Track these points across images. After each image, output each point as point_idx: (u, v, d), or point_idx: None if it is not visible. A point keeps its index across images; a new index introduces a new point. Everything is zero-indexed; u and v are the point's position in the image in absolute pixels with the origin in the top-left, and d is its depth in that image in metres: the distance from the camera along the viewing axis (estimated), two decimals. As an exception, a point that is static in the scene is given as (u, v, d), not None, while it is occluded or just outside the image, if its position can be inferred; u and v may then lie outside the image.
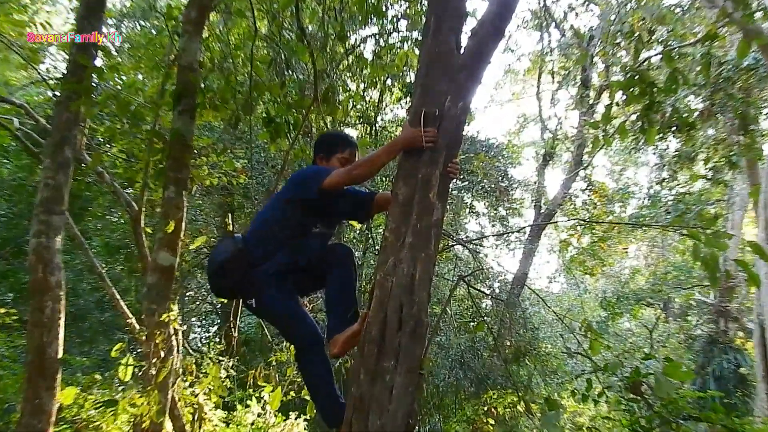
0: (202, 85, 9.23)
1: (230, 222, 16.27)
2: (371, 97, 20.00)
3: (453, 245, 13.18)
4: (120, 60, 18.15)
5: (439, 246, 5.11)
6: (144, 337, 8.52)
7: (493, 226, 24.61)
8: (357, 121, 18.54)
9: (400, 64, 9.65)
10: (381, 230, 16.65)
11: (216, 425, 11.16)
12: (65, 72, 9.06)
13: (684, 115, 15.02)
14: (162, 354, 8.48)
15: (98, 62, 9.59)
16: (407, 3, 16.41)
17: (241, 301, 6.26)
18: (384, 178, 18.61)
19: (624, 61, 20.23)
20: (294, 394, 10.91)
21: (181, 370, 9.48)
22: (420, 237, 4.80)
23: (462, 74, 5.12)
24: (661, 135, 17.28)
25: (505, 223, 24.16)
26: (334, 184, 5.39)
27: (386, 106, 21.55)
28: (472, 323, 18.77)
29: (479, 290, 11.97)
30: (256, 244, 5.73)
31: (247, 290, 5.72)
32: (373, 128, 19.82)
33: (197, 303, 20.50)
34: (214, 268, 5.78)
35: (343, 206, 6.06)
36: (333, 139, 6.19)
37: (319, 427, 14.71)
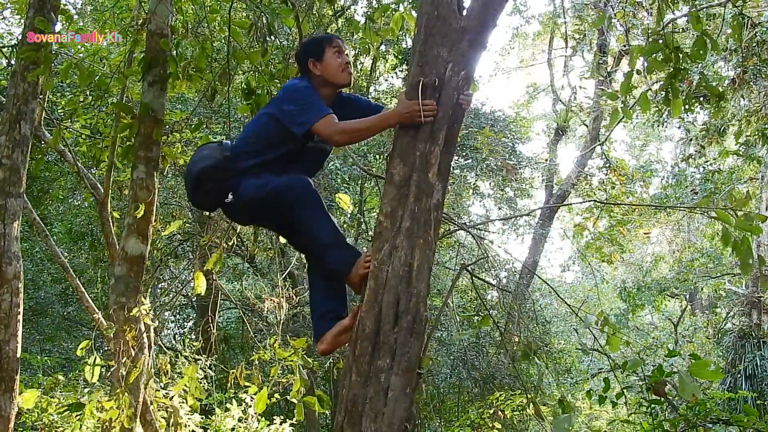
0: (174, 53, 9.18)
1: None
2: (363, 65, 20.01)
3: (455, 230, 13.18)
4: (82, 24, 18.14)
5: (439, 231, 5.11)
6: (112, 334, 8.52)
7: (499, 208, 24.68)
8: (347, 92, 18.59)
9: (396, 27, 9.59)
10: (374, 214, 16.67)
11: (193, 431, 11.18)
12: (21, 38, 9.05)
13: (713, 84, 14.98)
14: (132, 352, 8.49)
15: (58, 27, 9.57)
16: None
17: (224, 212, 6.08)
18: (378, 156, 18.63)
19: (646, 23, 20.20)
20: (279, 397, 10.92)
21: (153, 370, 9.50)
22: (418, 221, 4.80)
23: (464, 39, 5.11)
24: (687, 106, 17.29)
25: (512, 205, 24.21)
26: (321, 134, 5.40)
27: (380, 75, 21.57)
28: (476, 317, 18.81)
29: (484, 280, 12.00)
30: (244, 155, 5.70)
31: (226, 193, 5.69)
32: (366, 100, 19.83)
33: (171, 296, 20.51)
34: (194, 176, 5.76)
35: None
36: (313, 40, 6.09)
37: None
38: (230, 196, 5.63)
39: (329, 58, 5.83)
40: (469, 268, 6.98)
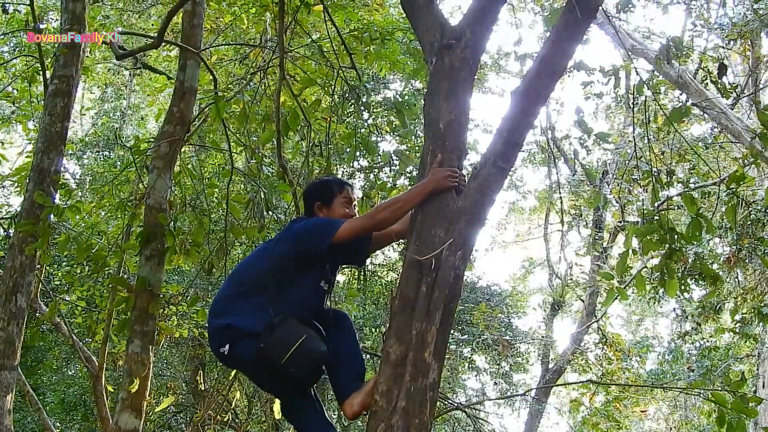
0: (172, 226, 9.21)
1: (201, 378, 16.12)
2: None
3: (451, 410, 13.09)
4: (81, 196, 18.27)
5: (435, 410, 5.07)
6: None
7: (495, 383, 24.51)
8: (344, 266, 18.59)
9: (393, 205, 9.65)
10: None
11: None
12: (20, 211, 9.12)
13: (708, 263, 14.96)
14: None
15: (56, 200, 9.63)
16: (401, 137, 16.56)
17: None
18: (373, 330, 18.59)
19: (641, 198, 20.36)
20: None
21: None
22: (414, 401, 4.76)
23: (462, 218, 5.13)
24: (683, 285, 17.34)
25: (508, 380, 24.06)
26: (349, 234, 5.36)
27: (377, 248, 21.61)
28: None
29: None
30: (244, 308, 5.48)
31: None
32: (362, 273, 19.89)
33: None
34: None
35: (342, 253, 5.81)
36: (325, 184, 6.04)
37: None
38: (226, 349, 5.45)
39: (337, 207, 5.80)
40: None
